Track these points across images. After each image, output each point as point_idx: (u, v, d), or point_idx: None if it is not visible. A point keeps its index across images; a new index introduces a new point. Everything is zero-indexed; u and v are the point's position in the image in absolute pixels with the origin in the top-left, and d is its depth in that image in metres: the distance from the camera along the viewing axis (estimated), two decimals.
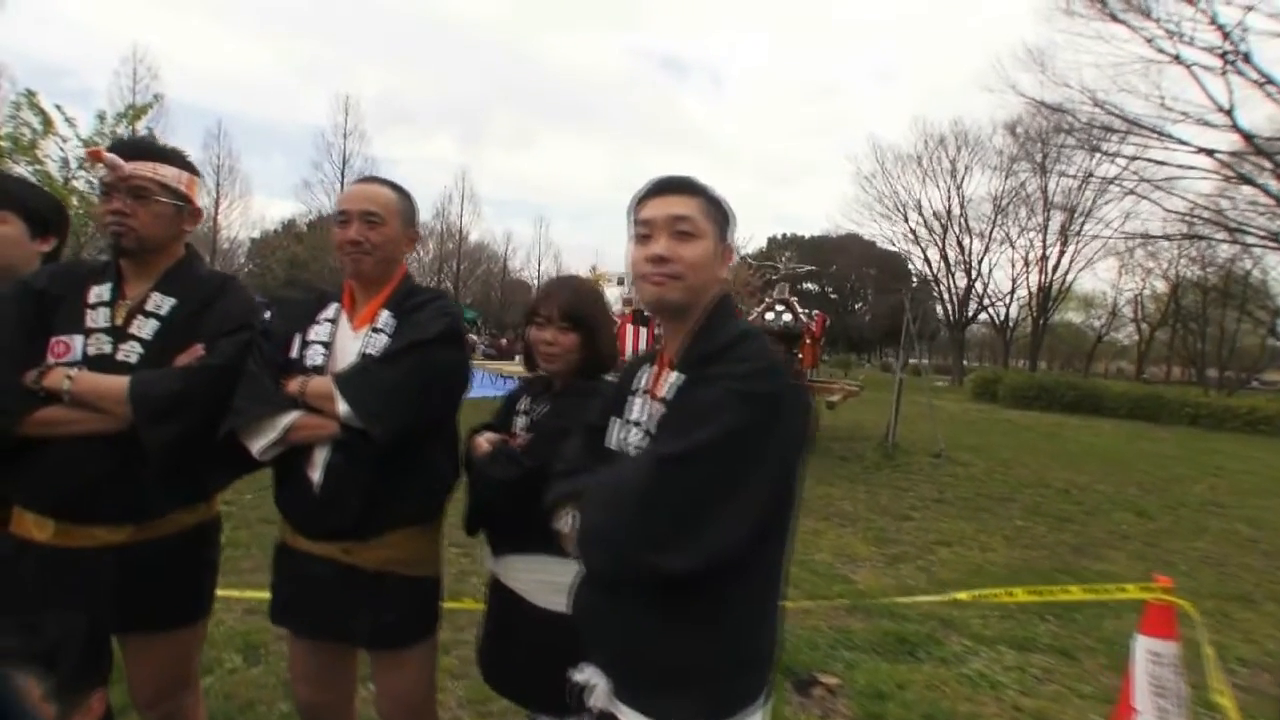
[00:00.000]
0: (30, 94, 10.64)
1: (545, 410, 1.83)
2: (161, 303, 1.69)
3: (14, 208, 1.82)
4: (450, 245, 44.98)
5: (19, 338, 1.59)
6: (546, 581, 1.71)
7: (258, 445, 1.61)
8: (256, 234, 42.44)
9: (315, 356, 1.71)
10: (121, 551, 1.62)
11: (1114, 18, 14.81)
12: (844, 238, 49.13)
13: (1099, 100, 17.51)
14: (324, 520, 1.67)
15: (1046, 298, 35.21)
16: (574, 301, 1.80)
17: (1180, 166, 18.38)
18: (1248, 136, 14.59)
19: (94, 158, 1.63)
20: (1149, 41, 14.80)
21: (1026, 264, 35.98)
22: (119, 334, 1.64)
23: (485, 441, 1.81)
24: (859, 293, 55.31)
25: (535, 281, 50.17)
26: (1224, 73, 13.84)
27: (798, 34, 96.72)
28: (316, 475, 1.65)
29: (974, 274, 36.74)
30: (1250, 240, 19.97)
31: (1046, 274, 35.02)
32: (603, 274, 15.90)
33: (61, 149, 11.30)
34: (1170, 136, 16.66)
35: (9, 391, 1.54)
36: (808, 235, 58.82)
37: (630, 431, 1.36)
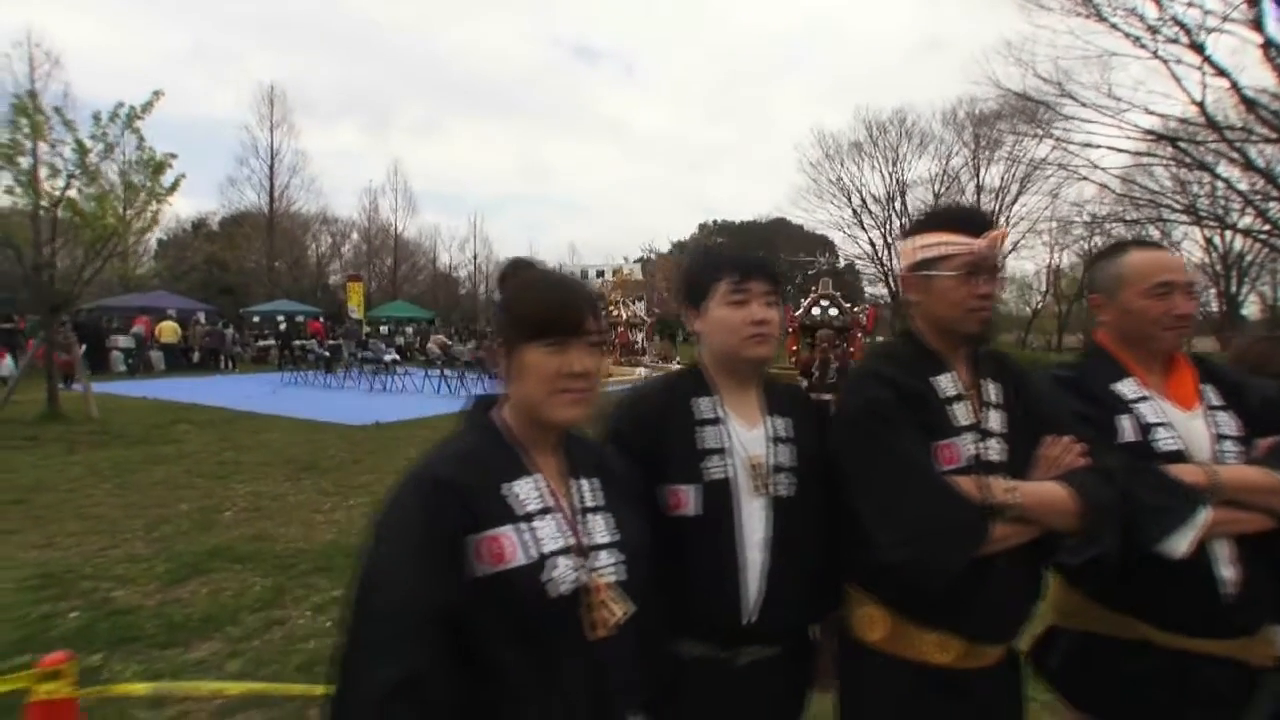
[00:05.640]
0: (32, 96, 9.24)
1: None
2: (993, 390, 1.59)
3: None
4: (377, 241, 42.90)
5: (927, 451, 1.49)
6: None
7: (1184, 544, 1.50)
8: (163, 235, 38.90)
9: (1166, 442, 1.62)
10: (1005, 666, 1.58)
11: (1100, 17, 15.76)
12: (772, 222, 50.19)
13: (1067, 90, 18.53)
14: (1236, 616, 1.57)
15: None
16: None
17: (1133, 153, 19.80)
18: (1215, 126, 15.87)
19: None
20: (1128, 37, 15.81)
21: None
22: (980, 431, 1.54)
23: None
24: (789, 276, 56.80)
25: (468, 278, 48.61)
26: (1200, 68, 14.98)
27: (713, 18, 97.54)
28: (1228, 571, 1.56)
29: None
30: (1174, 219, 21.82)
31: None
32: (626, 275, 15.62)
33: (61, 156, 9.88)
34: (1133, 125, 17.92)
35: (969, 510, 1.42)
36: (737, 221, 59.96)
37: None
